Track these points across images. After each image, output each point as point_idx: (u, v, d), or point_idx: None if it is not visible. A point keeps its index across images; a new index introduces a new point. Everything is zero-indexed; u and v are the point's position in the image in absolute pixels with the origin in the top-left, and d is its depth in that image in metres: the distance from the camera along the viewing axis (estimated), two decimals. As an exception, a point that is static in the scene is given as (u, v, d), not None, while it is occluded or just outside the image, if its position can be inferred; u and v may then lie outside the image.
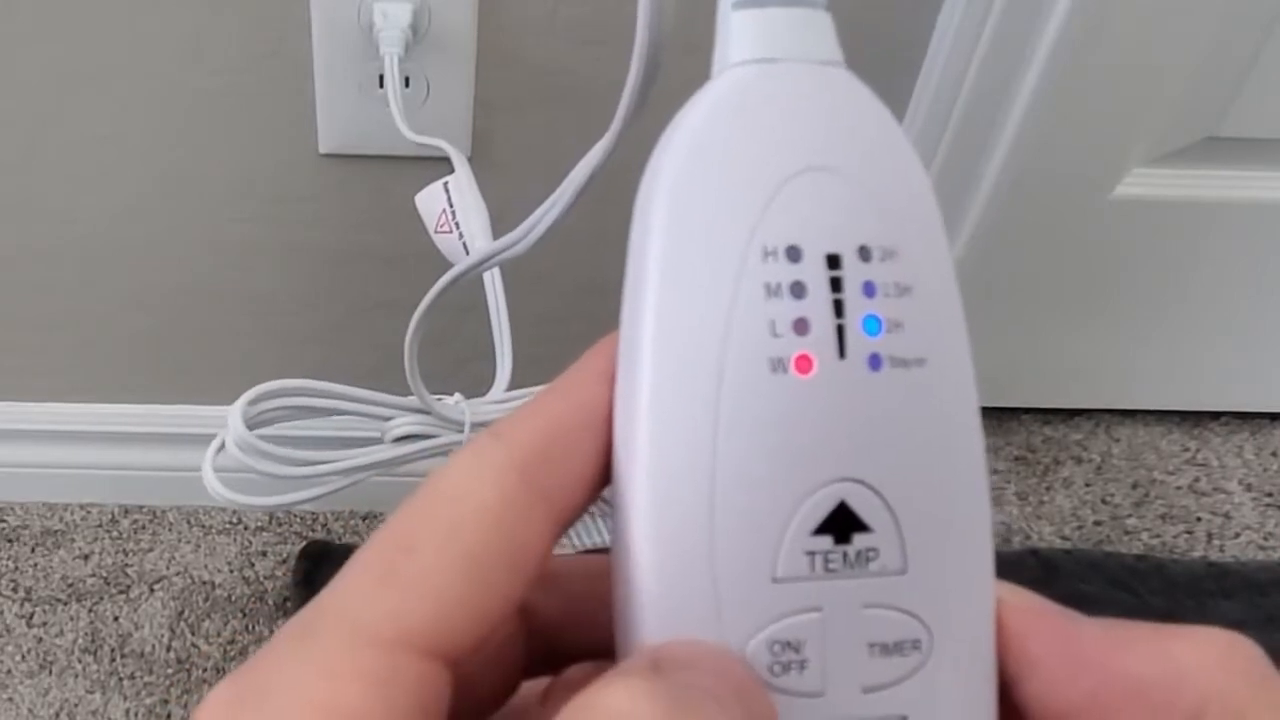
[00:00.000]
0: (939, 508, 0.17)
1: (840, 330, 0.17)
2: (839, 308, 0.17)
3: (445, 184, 0.52)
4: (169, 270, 0.75)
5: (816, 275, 0.17)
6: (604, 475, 0.18)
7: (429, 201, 0.53)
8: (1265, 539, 0.90)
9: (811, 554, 0.17)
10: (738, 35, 0.18)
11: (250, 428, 0.48)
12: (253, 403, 0.48)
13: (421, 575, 0.16)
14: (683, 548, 0.17)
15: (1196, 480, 0.93)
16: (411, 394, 0.50)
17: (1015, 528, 0.90)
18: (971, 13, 0.63)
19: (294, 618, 0.16)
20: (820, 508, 0.17)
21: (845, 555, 0.17)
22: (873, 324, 0.17)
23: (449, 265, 0.51)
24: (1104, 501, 0.92)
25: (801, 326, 0.17)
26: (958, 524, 0.17)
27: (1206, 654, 0.16)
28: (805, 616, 0.17)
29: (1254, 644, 0.17)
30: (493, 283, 0.53)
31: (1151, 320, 0.89)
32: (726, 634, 0.17)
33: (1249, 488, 0.93)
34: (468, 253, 0.51)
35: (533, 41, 0.63)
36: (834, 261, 0.17)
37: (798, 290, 0.17)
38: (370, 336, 0.79)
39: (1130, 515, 0.91)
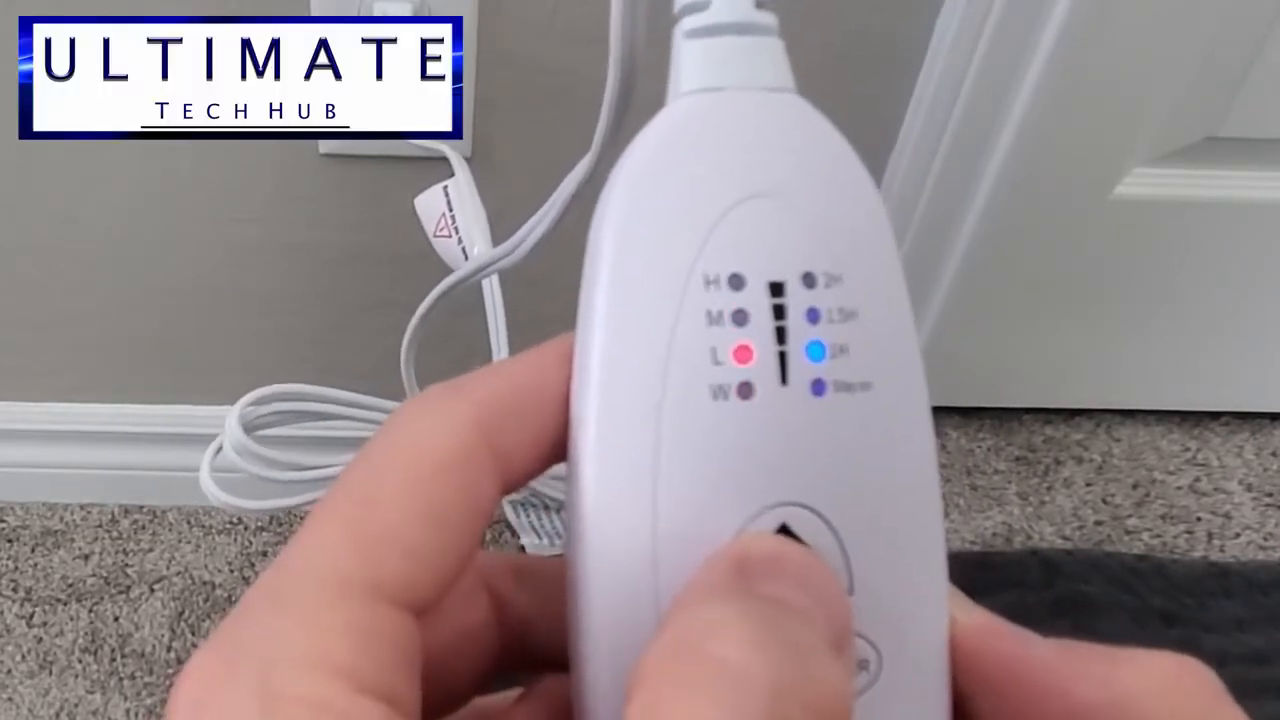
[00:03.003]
0: (887, 530, 0.17)
1: (782, 357, 0.17)
2: (781, 334, 0.17)
3: (445, 188, 0.52)
4: (169, 270, 0.75)
5: (759, 302, 0.17)
6: (555, 450, 0.18)
7: (428, 205, 0.53)
8: (1265, 539, 0.90)
9: None
10: (688, 64, 0.19)
11: (247, 431, 0.48)
12: (250, 406, 0.48)
13: (388, 527, 0.16)
14: (626, 569, 0.17)
15: (1197, 480, 0.93)
16: (408, 398, 0.50)
17: (1016, 528, 0.90)
18: (971, 13, 0.63)
19: (261, 578, 0.16)
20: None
21: None
22: (816, 349, 0.17)
23: (448, 266, 0.51)
24: (1105, 501, 0.92)
25: (743, 354, 0.17)
26: (907, 546, 0.18)
27: (1154, 679, 0.16)
28: None
29: (1204, 668, 0.16)
30: (490, 287, 0.53)
31: (1152, 320, 0.89)
32: None
33: (1249, 488, 0.93)
34: (466, 257, 0.51)
35: (533, 41, 0.63)
36: (777, 288, 0.17)
37: (739, 318, 0.17)
38: (370, 336, 0.79)
39: (1131, 515, 0.91)
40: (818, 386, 0.17)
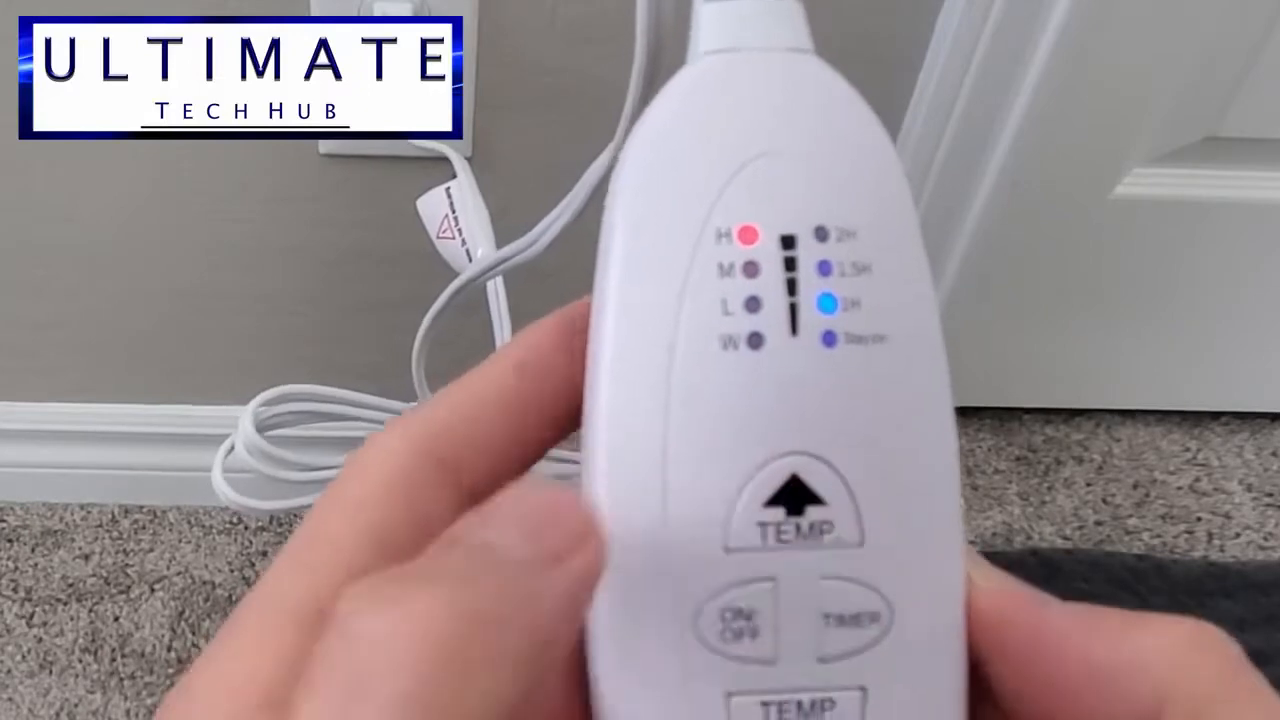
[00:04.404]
0: (899, 482, 0.17)
1: (793, 308, 0.17)
2: (792, 286, 0.17)
3: (447, 189, 0.52)
4: (169, 270, 0.75)
5: (770, 255, 0.17)
6: (520, 451, 0.18)
7: (431, 206, 0.53)
8: (1265, 539, 0.90)
9: (764, 525, 0.17)
10: (707, 26, 0.19)
11: (260, 431, 0.48)
12: (263, 406, 0.48)
13: (332, 551, 0.17)
14: (636, 516, 0.17)
15: (1197, 480, 0.93)
16: (418, 399, 0.50)
17: (1017, 527, 0.90)
18: (971, 13, 0.63)
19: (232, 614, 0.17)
20: (772, 480, 0.17)
21: (798, 527, 0.17)
22: (828, 301, 0.17)
23: (449, 265, 0.51)
24: (1105, 501, 0.92)
25: (753, 304, 0.17)
26: (920, 498, 0.18)
27: (1170, 644, 0.16)
28: (758, 586, 0.17)
29: (1221, 633, 0.16)
30: (495, 288, 0.53)
31: (1152, 320, 0.89)
32: (680, 601, 0.17)
33: (1249, 488, 0.93)
34: (470, 258, 0.51)
35: (533, 41, 0.63)
36: (789, 242, 0.17)
37: (750, 269, 0.17)
38: (370, 336, 0.79)
39: (1131, 515, 0.91)
40: (828, 337, 0.17)
